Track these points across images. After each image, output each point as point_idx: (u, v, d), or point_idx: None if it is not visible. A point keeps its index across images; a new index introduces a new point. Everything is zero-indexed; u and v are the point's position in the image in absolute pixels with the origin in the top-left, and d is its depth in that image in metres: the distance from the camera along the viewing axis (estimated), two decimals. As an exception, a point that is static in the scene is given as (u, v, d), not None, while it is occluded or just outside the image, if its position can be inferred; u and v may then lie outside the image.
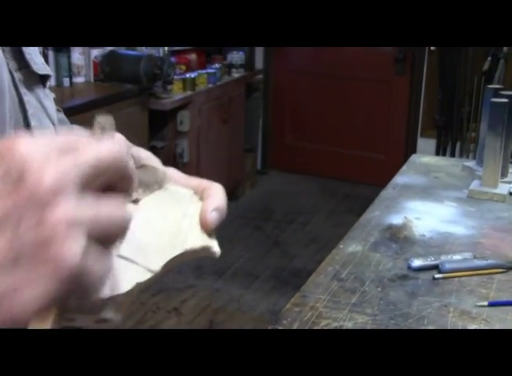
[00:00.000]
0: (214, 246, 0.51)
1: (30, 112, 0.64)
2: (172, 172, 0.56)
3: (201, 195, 0.54)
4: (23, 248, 0.36)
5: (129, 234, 0.45)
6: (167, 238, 0.49)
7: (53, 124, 0.70)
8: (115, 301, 0.45)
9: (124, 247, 0.46)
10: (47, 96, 0.70)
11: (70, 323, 0.45)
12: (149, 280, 0.47)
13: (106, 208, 0.39)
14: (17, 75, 0.64)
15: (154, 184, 0.52)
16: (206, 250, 0.50)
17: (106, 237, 0.39)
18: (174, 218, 0.50)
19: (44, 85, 0.70)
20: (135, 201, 0.50)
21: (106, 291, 0.44)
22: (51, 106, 0.71)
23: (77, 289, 0.38)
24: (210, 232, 0.51)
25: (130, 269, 0.46)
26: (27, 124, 0.64)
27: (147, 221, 0.49)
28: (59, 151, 0.38)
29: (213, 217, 0.51)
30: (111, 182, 0.41)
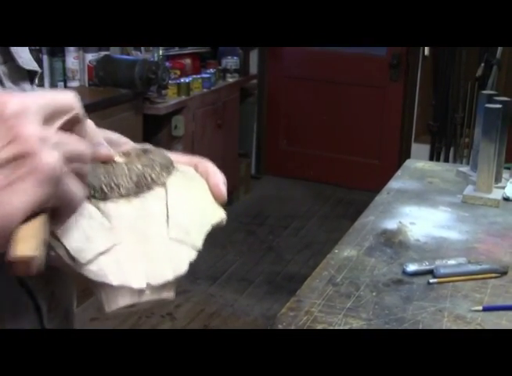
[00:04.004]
0: (225, 218, 0.56)
1: None
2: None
3: (196, 170, 0.58)
4: (2, 162, 0.39)
5: (173, 217, 0.50)
6: (199, 216, 0.53)
7: None
8: (175, 281, 0.49)
9: (174, 230, 0.50)
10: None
11: (131, 309, 0.48)
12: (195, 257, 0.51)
13: (69, 137, 0.43)
14: (1, 68, 0.63)
15: (170, 166, 0.55)
16: (222, 221, 0.56)
17: (73, 162, 0.42)
18: (197, 196, 0.55)
19: (32, 82, 0.69)
20: (163, 185, 0.53)
21: (170, 273, 0.48)
22: None
23: (58, 198, 0.41)
24: (222, 203, 0.56)
25: (183, 249, 0.50)
26: None
27: (181, 202, 0.53)
28: (16, 93, 0.43)
29: (225, 190, 0.56)
30: (67, 128, 0.44)
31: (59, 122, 0.43)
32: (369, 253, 1.29)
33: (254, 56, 4.54)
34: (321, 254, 1.38)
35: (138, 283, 0.47)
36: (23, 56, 0.65)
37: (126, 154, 0.54)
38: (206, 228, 0.53)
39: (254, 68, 4.57)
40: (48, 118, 0.42)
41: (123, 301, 0.47)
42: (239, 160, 4.36)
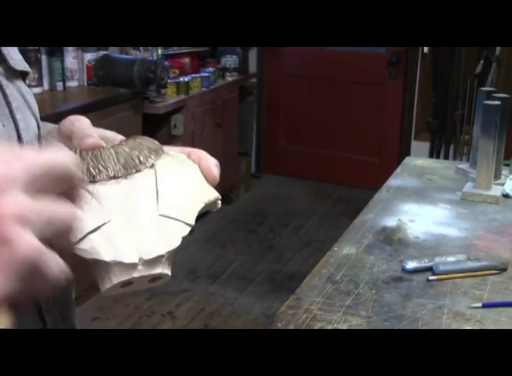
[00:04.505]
0: (220, 198, 0.57)
1: (14, 105, 0.63)
2: None
3: (189, 157, 0.58)
4: None
5: (163, 195, 0.51)
6: (190, 195, 0.53)
7: (36, 120, 0.69)
8: (168, 257, 0.49)
9: (164, 207, 0.50)
10: (28, 92, 0.69)
11: (128, 288, 0.48)
12: (188, 233, 0.51)
13: (52, 205, 0.39)
14: None
15: (159, 150, 0.56)
16: (216, 202, 0.56)
17: (55, 232, 0.39)
18: (187, 176, 0.55)
19: (24, 82, 0.69)
20: (152, 166, 0.54)
21: (162, 248, 0.48)
22: (33, 102, 0.70)
23: (32, 283, 0.38)
24: (215, 185, 0.57)
25: (174, 225, 0.50)
26: (13, 118, 0.63)
27: (170, 181, 0.53)
28: (4, 153, 0.38)
29: (217, 172, 0.56)
30: (60, 191, 0.41)
31: (49, 185, 0.40)
32: (369, 251, 1.29)
33: (253, 54, 4.54)
34: (321, 253, 1.38)
35: (130, 257, 0.47)
36: (14, 57, 0.65)
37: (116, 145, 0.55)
38: (199, 206, 0.53)
39: (253, 67, 4.57)
40: (34, 181, 0.38)
41: (116, 277, 0.47)
42: (239, 159, 4.36)
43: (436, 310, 1.07)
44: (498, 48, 3.79)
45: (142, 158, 0.53)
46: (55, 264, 0.38)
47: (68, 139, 0.57)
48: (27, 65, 0.68)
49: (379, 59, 4.28)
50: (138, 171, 0.52)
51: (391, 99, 4.33)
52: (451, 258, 1.23)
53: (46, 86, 3.12)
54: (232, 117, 4.15)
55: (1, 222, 0.36)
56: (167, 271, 0.49)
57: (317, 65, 4.49)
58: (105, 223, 0.48)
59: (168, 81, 3.43)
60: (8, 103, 0.63)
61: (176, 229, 0.50)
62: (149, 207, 0.50)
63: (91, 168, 0.51)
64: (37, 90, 2.99)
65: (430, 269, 1.20)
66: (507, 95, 1.62)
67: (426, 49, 4.09)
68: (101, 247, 0.47)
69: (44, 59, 3.10)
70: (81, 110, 2.83)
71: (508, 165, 1.71)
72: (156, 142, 0.57)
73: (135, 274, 0.47)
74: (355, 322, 1.03)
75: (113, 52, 3.47)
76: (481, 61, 3.82)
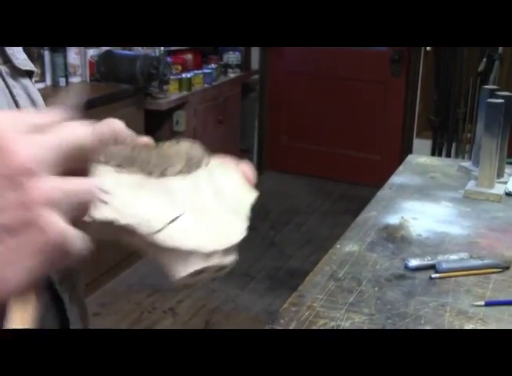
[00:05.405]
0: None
1: (21, 104, 0.64)
2: None
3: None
4: (3, 227, 0.36)
5: (222, 192, 0.56)
6: (241, 194, 0.58)
7: None
8: (234, 247, 0.52)
9: (225, 204, 0.55)
10: (34, 91, 0.69)
11: (198, 277, 0.51)
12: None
13: (76, 182, 0.39)
14: (3, 68, 0.63)
15: (206, 152, 0.60)
16: (255, 199, 0.60)
17: (78, 210, 0.40)
18: (234, 177, 0.60)
19: (31, 81, 0.69)
20: (207, 165, 0.58)
21: (232, 240, 0.52)
22: (40, 101, 0.70)
23: (58, 263, 0.39)
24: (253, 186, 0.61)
25: (236, 220, 0.55)
26: None
27: (223, 181, 0.58)
28: (31, 129, 0.38)
29: (254, 174, 0.60)
30: (77, 165, 0.41)
31: (72, 161, 0.40)
32: (371, 248, 1.29)
33: (255, 51, 4.53)
34: (323, 250, 1.38)
35: (210, 247, 0.50)
36: (19, 56, 0.65)
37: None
38: (248, 205, 0.58)
39: (255, 63, 4.57)
40: (60, 161, 0.39)
41: (193, 266, 0.49)
42: (240, 156, 4.34)
43: (439, 308, 1.07)
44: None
45: (199, 157, 0.57)
46: (79, 241, 0.39)
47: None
48: (31, 64, 0.68)
49: (381, 57, 4.28)
50: (197, 168, 0.56)
51: (393, 97, 4.33)
52: (453, 256, 1.23)
53: (49, 82, 3.12)
54: (234, 113, 4.14)
55: (30, 207, 0.36)
56: (231, 260, 0.52)
57: (319, 62, 4.48)
58: (181, 214, 0.51)
59: (171, 77, 3.43)
60: (15, 102, 0.63)
61: (238, 224, 0.54)
62: (214, 203, 0.54)
63: (160, 165, 0.54)
64: (40, 86, 2.99)
65: (432, 267, 1.20)
66: (510, 93, 1.62)
67: (428, 47, 4.09)
68: (180, 236, 0.49)
69: (46, 54, 3.10)
70: (84, 106, 2.83)
71: (511, 163, 1.70)
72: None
73: (211, 263, 0.50)
74: (358, 319, 1.03)
75: (116, 47, 3.47)
76: (484, 59, 3.82)
